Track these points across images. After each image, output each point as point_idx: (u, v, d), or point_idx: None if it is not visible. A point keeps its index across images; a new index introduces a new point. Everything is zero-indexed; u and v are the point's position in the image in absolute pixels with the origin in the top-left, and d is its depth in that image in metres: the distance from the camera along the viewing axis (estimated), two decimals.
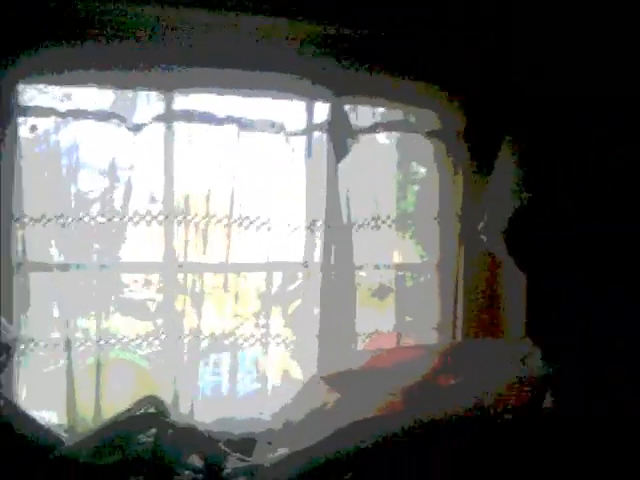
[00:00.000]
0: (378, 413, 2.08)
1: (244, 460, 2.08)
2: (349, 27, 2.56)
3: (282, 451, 2.08)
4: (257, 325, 2.71)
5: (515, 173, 2.51)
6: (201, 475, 1.97)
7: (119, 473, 1.90)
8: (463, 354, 2.46)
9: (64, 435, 2.20)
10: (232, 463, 2.04)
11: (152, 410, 2.05)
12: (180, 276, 2.59)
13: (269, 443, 2.17)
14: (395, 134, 2.82)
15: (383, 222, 2.79)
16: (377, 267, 2.83)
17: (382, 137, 2.83)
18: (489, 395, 2.15)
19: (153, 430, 2.01)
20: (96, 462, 1.91)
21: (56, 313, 2.49)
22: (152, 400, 2.10)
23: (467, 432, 2.01)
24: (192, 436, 2.03)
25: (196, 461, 2.00)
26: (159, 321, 2.62)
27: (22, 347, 2.44)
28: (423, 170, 2.90)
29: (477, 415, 2.08)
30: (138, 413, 2.05)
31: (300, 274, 2.73)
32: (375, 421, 2.03)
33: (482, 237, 2.59)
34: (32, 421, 2.03)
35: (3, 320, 2.15)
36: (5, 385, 2.17)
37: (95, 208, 2.50)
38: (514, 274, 2.61)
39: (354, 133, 2.68)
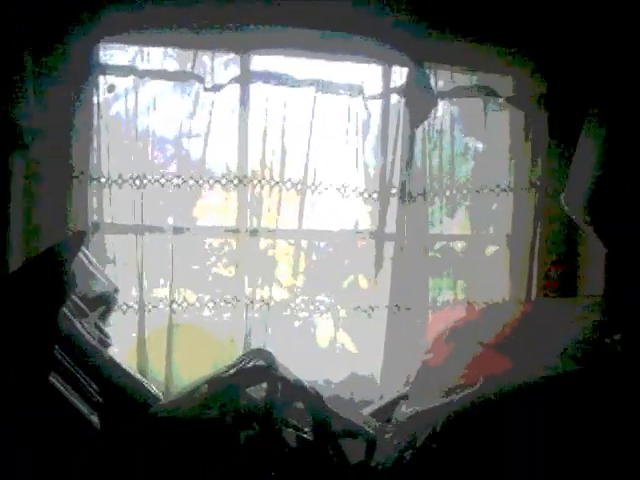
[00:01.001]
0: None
1: (351, 421, 2.03)
2: None
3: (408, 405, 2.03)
4: (319, 294, 2.66)
5: (600, 145, 2.44)
6: (308, 433, 1.93)
7: (229, 426, 1.86)
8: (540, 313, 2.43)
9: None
10: (339, 422, 1.99)
11: (261, 363, 1.99)
12: (253, 243, 2.55)
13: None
14: (470, 104, 2.74)
15: (457, 192, 2.72)
16: (449, 238, 2.78)
17: (457, 107, 2.75)
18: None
19: (264, 384, 1.96)
20: (204, 414, 1.87)
21: (131, 276, 2.45)
22: (261, 353, 2.04)
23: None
24: (302, 393, 1.98)
25: (304, 418, 1.95)
26: (230, 288, 2.58)
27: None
28: (497, 141, 2.82)
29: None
30: (248, 366, 1.99)
31: (372, 242, 2.67)
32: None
33: (565, 206, 2.53)
34: (132, 377, 2.01)
35: (102, 271, 2.13)
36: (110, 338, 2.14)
37: (171, 170, 2.46)
38: (594, 246, 2.55)
39: (433, 99, 2.60)
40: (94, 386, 1.84)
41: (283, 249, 2.67)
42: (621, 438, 1.83)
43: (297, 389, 1.96)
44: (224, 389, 1.93)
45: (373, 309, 2.67)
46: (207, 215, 2.60)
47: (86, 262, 2.08)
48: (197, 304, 2.55)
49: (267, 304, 2.57)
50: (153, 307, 2.49)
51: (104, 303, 2.12)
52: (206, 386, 1.97)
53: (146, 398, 1.96)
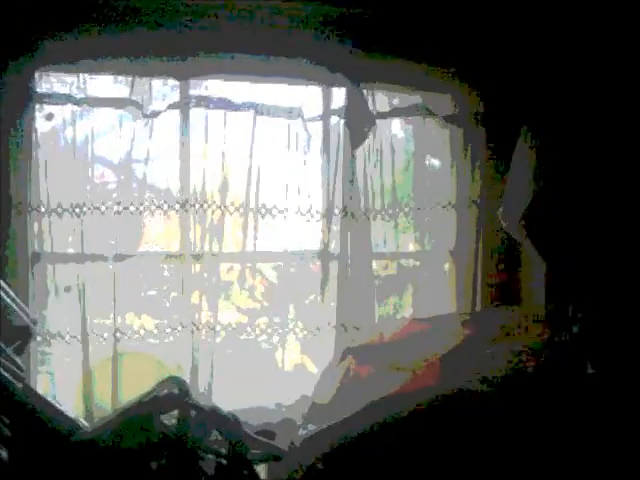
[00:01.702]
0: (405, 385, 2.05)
1: (268, 443, 2.03)
2: (363, 8, 2.52)
3: (308, 429, 2.05)
4: (273, 317, 2.67)
5: (533, 161, 2.50)
6: (225, 458, 1.93)
7: (141, 456, 1.85)
8: (480, 322, 2.45)
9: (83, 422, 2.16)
10: (257, 446, 1.99)
11: (175, 391, 1.99)
12: (196, 267, 2.55)
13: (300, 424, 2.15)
14: (410, 122, 2.79)
15: (400, 210, 2.76)
16: (393, 256, 2.81)
17: (397, 125, 2.80)
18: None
19: (176, 412, 1.96)
20: (118, 445, 1.86)
21: (73, 305, 2.43)
22: (175, 381, 2.04)
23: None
24: (215, 418, 1.97)
25: (219, 444, 1.95)
26: (175, 314, 2.57)
27: (39, 339, 2.39)
28: (437, 158, 2.87)
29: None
30: (161, 394, 1.99)
31: (317, 264, 2.69)
32: (407, 395, 2.00)
33: (502, 222, 2.57)
34: (51, 406, 1.98)
35: (21, 304, 2.11)
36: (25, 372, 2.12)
37: (111, 198, 2.45)
38: (533, 260, 2.60)
39: (371, 119, 2.63)
40: (5, 419, 1.83)
41: (232, 273, 2.67)
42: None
43: (211, 415, 1.96)
44: (136, 417, 1.93)
45: (320, 329, 2.68)
46: (150, 241, 2.59)
47: (2, 295, 2.06)
48: (142, 331, 2.53)
49: (212, 328, 2.56)
50: (97, 336, 2.47)
51: (21, 337, 2.09)
52: (120, 415, 1.96)
53: (68, 428, 1.94)
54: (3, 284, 2.09)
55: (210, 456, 1.94)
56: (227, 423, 1.99)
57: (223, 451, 1.96)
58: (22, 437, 1.87)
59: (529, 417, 1.88)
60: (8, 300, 2.08)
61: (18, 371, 2.01)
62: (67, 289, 2.43)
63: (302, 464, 1.94)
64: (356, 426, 1.94)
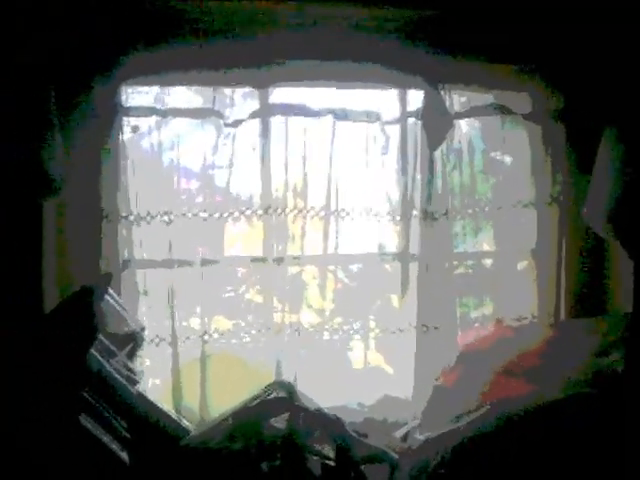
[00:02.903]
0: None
1: (372, 445, 2.06)
2: (440, 9, 2.52)
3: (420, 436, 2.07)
4: (352, 318, 2.71)
5: (620, 157, 2.45)
6: (331, 460, 1.96)
7: (252, 459, 1.91)
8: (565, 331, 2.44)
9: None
10: (361, 448, 2.03)
11: (283, 394, 2.05)
12: (279, 270, 2.60)
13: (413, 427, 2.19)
14: (488, 122, 2.77)
15: (479, 210, 2.75)
16: (473, 256, 2.81)
17: (474, 125, 2.79)
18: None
19: (285, 414, 2.01)
20: (229, 447, 1.92)
21: (162, 309, 2.52)
22: (282, 384, 2.10)
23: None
24: (323, 420, 2.02)
25: (326, 445, 1.99)
26: (259, 317, 2.64)
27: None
28: (516, 157, 2.84)
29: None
30: (269, 398, 2.05)
31: (396, 265, 2.71)
32: (519, 398, 2.01)
33: (586, 221, 2.54)
34: (161, 411, 2.07)
35: (128, 310, 2.21)
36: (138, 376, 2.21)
37: (196, 205, 2.53)
38: (620, 257, 2.55)
39: (449, 120, 2.64)
40: (123, 423, 1.90)
41: (312, 274, 2.72)
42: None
43: (318, 417, 2.00)
44: (247, 421, 1.98)
45: (402, 330, 2.70)
46: (234, 245, 2.66)
47: (113, 302, 2.15)
48: (229, 333, 2.61)
49: (297, 330, 2.62)
50: (186, 338, 2.55)
51: (131, 341, 2.18)
52: (230, 418, 2.02)
53: (176, 432, 2.02)
54: (112, 292, 2.19)
55: (316, 457, 1.99)
56: (333, 424, 2.03)
57: (329, 453, 2.01)
58: (137, 440, 1.94)
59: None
60: (118, 307, 2.18)
61: (133, 375, 2.11)
62: (145, 292, 2.51)
63: (423, 468, 1.96)
64: (469, 432, 1.96)
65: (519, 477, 1.84)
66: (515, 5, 2.51)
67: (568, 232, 2.78)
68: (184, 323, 2.57)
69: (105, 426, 1.84)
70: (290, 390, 2.05)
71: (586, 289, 2.81)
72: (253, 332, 2.62)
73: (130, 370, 2.08)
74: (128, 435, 1.89)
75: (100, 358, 1.92)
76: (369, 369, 2.74)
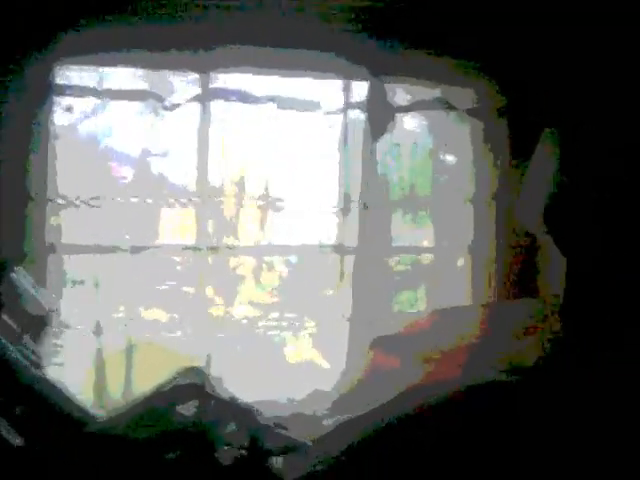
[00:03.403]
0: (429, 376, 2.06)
1: (286, 436, 2.03)
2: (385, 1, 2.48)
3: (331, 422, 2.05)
4: (286, 311, 2.66)
5: (555, 157, 2.47)
6: (243, 450, 1.92)
7: (158, 446, 1.86)
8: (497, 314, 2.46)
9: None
10: (275, 438, 1.99)
11: (194, 381, 1.99)
12: (212, 260, 2.54)
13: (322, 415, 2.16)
14: (430, 116, 2.76)
15: (418, 205, 2.74)
16: (411, 250, 2.79)
17: (417, 119, 2.77)
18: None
19: (195, 402, 1.96)
20: (133, 435, 1.86)
21: (89, 296, 2.43)
22: (194, 371, 2.04)
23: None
24: (235, 409, 1.97)
25: (238, 435, 1.95)
26: (190, 307, 2.56)
27: (54, 330, 2.39)
28: (457, 153, 2.83)
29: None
30: (180, 384, 1.99)
31: (335, 257, 2.68)
32: (434, 386, 2.00)
33: (518, 218, 2.56)
34: (64, 395, 1.99)
35: (41, 291, 2.12)
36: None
37: (129, 190, 2.44)
38: (553, 256, 2.58)
39: (392, 112, 2.60)
40: (20, 408, 1.84)
41: (249, 265, 2.66)
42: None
43: (230, 406, 1.96)
44: (155, 407, 1.92)
45: (336, 324, 2.67)
46: (168, 233, 2.58)
47: (20, 283, 2.06)
48: (158, 324, 2.53)
49: (227, 322, 2.56)
50: (112, 328, 2.47)
51: (41, 323, 2.10)
52: (139, 404, 1.96)
53: (81, 417, 1.95)
54: (22, 270, 2.10)
55: (227, 447, 1.94)
56: (245, 414, 1.99)
57: (241, 442, 1.96)
58: (36, 425, 1.87)
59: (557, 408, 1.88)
60: (27, 286, 2.09)
61: (37, 358, 2.03)
62: (81, 282, 2.43)
63: (324, 457, 1.94)
64: (381, 418, 1.93)
65: (423, 466, 1.84)
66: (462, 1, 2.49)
67: (505, 229, 2.78)
68: (111, 312, 2.47)
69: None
70: (201, 377, 1.99)
71: (520, 286, 2.83)
72: (184, 323, 2.54)
73: (35, 353, 1.99)
74: (26, 420, 1.82)
75: (2, 339, 1.85)
76: (304, 364, 2.72)
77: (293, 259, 2.70)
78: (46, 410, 1.93)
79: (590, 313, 2.40)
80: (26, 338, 2.03)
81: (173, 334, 2.55)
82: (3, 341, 1.89)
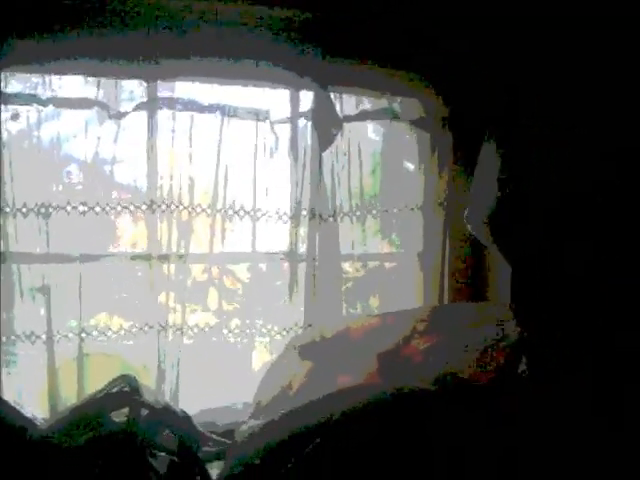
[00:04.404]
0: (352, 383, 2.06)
1: (221, 441, 2.04)
2: (328, 13, 2.54)
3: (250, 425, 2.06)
4: (243, 318, 2.69)
5: (498, 164, 2.52)
6: (175, 456, 1.93)
7: (90, 453, 1.86)
8: (438, 318, 2.44)
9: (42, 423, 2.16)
10: (210, 443, 2.00)
11: (126, 389, 2.00)
12: (164, 268, 2.56)
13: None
14: (378, 125, 2.82)
15: (367, 212, 2.78)
16: (360, 258, 2.83)
17: (365, 128, 2.83)
18: (464, 359, 2.14)
19: (126, 409, 1.97)
20: (68, 442, 1.86)
21: (38, 306, 2.44)
22: (126, 378, 2.05)
23: (441, 398, 1.99)
24: (167, 415, 1.98)
25: (170, 442, 1.96)
26: (143, 316, 2.58)
27: (4, 339, 2.39)
28: (405, 161, 2.89)
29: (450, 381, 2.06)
30: (112, 391, 2.00)
31: (285, 265, 2.71)
32: (349, 392, 2.01)
33: (467, 225, 2.60)
34: (5, 404, 1.99)
35: None
36: None
37: (79, 198, 2.45)
38: (499, 262, 2.62)
39: (339, 122, 2.66)
40: None
41: (202, 274, 2.68)
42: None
43: (161, 413, 1.97)
44: (88, 414, 1.94)
45: (288, 331, 2.70)
46: (118, 242, 2.60)
47: None
48: (108, 332, 2.54)
49: (180, 329, 2.57)
50: (63, 336, 2.47)
51: None
52: (72, 412, 1.97)
53: (23, 425, 1.95)
54: None
55: (162, 454, 1.94)
56: (178, 420, 2.00)
57: (173, 448, 1.97)
58: None
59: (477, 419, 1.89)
60: None
61: None
62: (33, 290, 2.43)
63: (242, 460, 1.94)
64: (296, 423, 1.94)
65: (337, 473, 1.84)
66: (404, 12, 2.55)
67: (452, 236, 2.84)
68: (62, 321, 2.47)
69: None
70: (133, 384, 2.00)
71: (467, 294, 2.87)
72: (134, 331, 2.55)
73: None
74: None
75: None
76: (259, 370, 2.69)
77: (247, 267, 2.72)
78: None
79: (537, 320, 2.43)
80: None
81: (127, 342, 2.56)
82: None
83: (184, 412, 2.01)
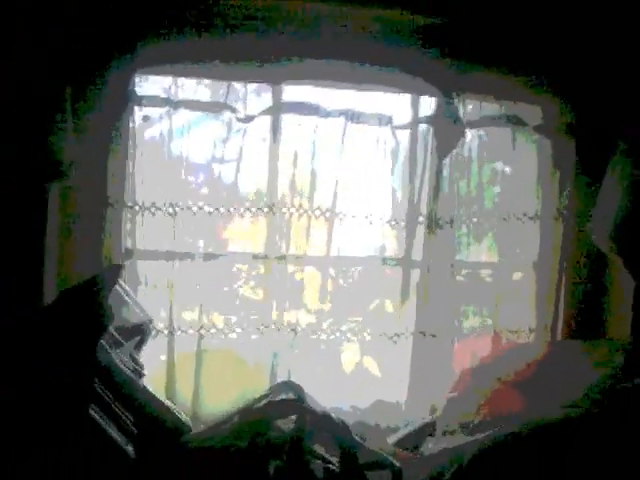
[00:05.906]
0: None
1: (377, 452, 2.04)
2: (455, 20, 2.51)
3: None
4: (349, 321, 2.70)
5: (628, 175, 2.45)
6: (335, 464, 1.95)
7: (260, 457, 1.89)
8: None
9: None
10: (366, 453, 2.01)
11: (291, 396, 2.04)
12: (281, 268, 2.58)
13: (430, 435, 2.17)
14: (499, 133, 2.77)
15: (484, 220, 2.75)
16: (476, 265, 2.80)
17: (485, 135, 2.78)
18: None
19: (293, 417, 1.99)
20: (235, 445, 1.90)
21: (161, 300, 2.50)
22: (290, 385, 2.09)
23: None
24: (329, 424, 2.00)
25: (330, 450, 1.98)
26: (258, 312, 2.61)
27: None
28: (525, 169, 2.84)
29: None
30: (277, 399, 2.04)
31: (400, 270, 2.70)
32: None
33: (592, 236, 2.55)
34: (164, 405, 2.04)
35: (137, 302, 2.18)
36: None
37: (202, 199, 2.51)
38: (622, 276, 2.56)
39: (460, 128, 2.63)
40: (129, 417, 1.88)
41: (311, 275, 2.70)
42: None
43: (325, 420, 1.99)
44: (254, 421, 1.97)
45: (399, 335, 2.69)
46: (237, 241, 2.64)
47: (122, 293, 2.13)
48: (225, 329, 2.59)
49: (293, 329, 2.60)
50: (182, 332, 2.53)
51: (139, 334, 2.16)
52: (237, 417, 2.00)
53: (178, 427, 1.99)
54: (122, 283, 2.16)
55: (319, 461, 1.97)
56: (339, 429, 2.02)
57: (332, 457, 1.99)
58: (141, 434, 1.91)
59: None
60: (127, 298, 2.15)
61: (139, 368, 2.09)
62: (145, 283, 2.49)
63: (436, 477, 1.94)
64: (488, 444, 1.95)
65: None
66: (529, 16, 2.50)
67: (571, 247, 2.77)
68: (182, 316, 2.53)
69: (112, 419, 1.81)
70: (298, 392, 2.03)
71: (585, 305, 2.81)
72: (249, 329, 2.59)
73: (136, 362, 2.05)
74: (134, 429, 1.86)
75: (108, 349, 1.89)
76: (359, 372, 2.73)
77: (355, 270, 2.73)
78: (147, 419, 1.97)
79: None
80: (128, 347, 2.09)
81: (238, 339, 2.60)
82: (109, 351, 1.95)
83: (342, 420, 2.03)
